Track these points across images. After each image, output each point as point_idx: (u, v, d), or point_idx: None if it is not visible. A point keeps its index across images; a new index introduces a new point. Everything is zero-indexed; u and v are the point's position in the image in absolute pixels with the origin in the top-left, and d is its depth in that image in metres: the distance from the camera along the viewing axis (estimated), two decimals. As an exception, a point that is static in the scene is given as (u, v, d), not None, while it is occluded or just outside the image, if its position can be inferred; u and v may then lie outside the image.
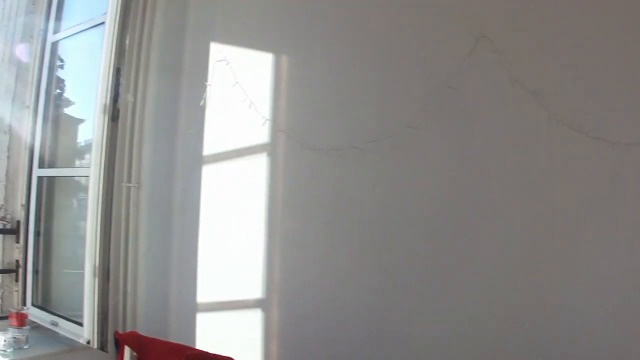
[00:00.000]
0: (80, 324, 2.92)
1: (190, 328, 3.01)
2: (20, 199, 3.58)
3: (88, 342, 2.82)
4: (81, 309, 2.94)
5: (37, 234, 3.48)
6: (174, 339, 2.80)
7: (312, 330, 2.59)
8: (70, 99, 3.80)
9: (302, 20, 2.80)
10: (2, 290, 3.50)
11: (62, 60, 3.73)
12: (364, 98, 2.50)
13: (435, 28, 2.32)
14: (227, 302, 2.94)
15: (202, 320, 3.01)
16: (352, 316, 2.45)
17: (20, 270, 3.50)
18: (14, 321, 3.03)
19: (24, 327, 3.03)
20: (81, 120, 3.66)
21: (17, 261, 3.53)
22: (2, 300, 3.49)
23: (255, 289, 2.79)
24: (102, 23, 3.14)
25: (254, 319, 2.78)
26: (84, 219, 3.08)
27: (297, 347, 2.66)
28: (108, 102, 2.98)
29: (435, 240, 2.24)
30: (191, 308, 3.04)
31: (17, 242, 3.55)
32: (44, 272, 3.48)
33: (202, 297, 3.01)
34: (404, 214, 2.35)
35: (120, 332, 2.86)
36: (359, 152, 2.41)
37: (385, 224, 2.40)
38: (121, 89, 3.08)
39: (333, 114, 2.60)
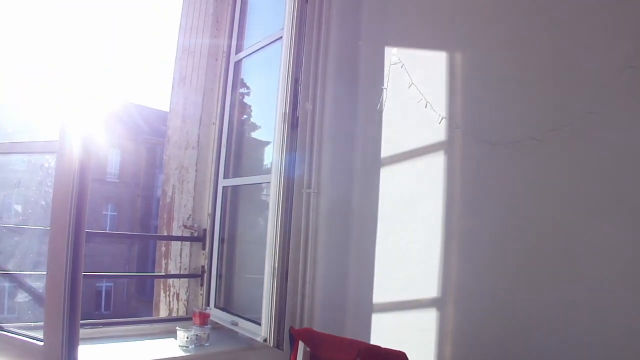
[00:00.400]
0: (259, 323, 3.00)
1: (366, 328, 3.02)
2: (207, 208, 3.79)
3: (265, 340, 2.88)
4: (260, 311, 3.01)
5: (221, 241, 3.65)
6: (348, 338, 2.81)
7: (490, 331, 2.48)
8: (256, 124, 3.98)
9: (473, 15, 2.77)
10: (188, 294, 3.72)
11: (248, 88, 3.94)
12: (540, 86, 2.40)
13: (614, 4, 2.16)
14: (402, 302, 2.91)
15: (377, 321, 3.01)
16: (533, 317, 2.31)
17: (205, 275, 3.68)
18: (196, 320, 3.21)
19: (206, 326, 3.18)
20: (266, 143, 3.77)
21: (203, 267, 3.72)
22: (188, 303, 3.70)
23: (430, 289, 2.73)
24: (280, 38, 3.26)
25: (429, 319, 2.72)
26: (265, 226, 3.17)
27: (472, 348, 2.56)
28: (287, 111, 3.06)
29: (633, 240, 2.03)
30: (367, 308, 3.05)
31: (203, 249, 3.75)
32: (226, 277, 3.63)
33: (377, 297, 3.02)
34: (588, 208, 2.17)
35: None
36: (538, 144, 2.31)
37: (567, 220, 2.24)
38: (300, 98, 3.16)
39: (509, 106, 2.52)
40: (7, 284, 2.69)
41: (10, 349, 2.34)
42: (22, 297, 2.60)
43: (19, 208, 2.77)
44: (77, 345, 2.22)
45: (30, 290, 2.55)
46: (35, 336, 2.29)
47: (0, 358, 2.36)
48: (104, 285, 24.96)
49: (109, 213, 27.03)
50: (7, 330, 2.42)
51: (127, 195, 27.64)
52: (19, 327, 2.45)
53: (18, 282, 2.64)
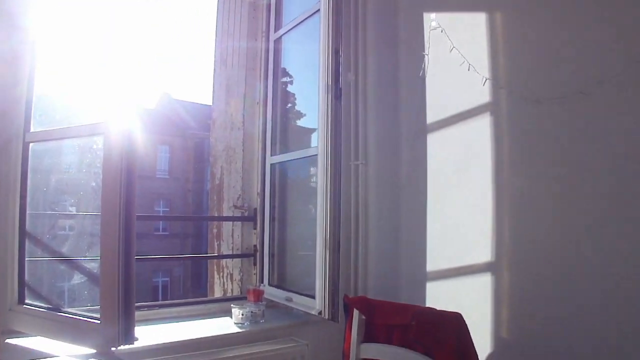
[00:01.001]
0: (313, 297, 2.98)
1: (420, 296, 3.00)
2: (256, 188, 3.78)
3: (319, 313, 2.86)
4: (314, 287, 2.99)
5: (271, 219, 3.64)
6: (403, 307, 2.78)
7: (547, 293, 2.41)
8: (300, 100, 3.93)
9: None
10: (241, 274, 3.72)
11: (289, 65, 3.90)
12: (584, 37, 2.30)
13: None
14: (455, 268, 2.87)
15: (432, 288, 2.99)
16: (590, 277, 2.23)
17: (257, 254, 3.68)
18: (251, 297, 3.21)
19: (260, 303, 3.17)
20: (312, 119, 3.67)
21: (255, 246, 3.72)
22: (242, 283, 3.71)
23: (484, 253, 2.68)
24: (318, 11, 3.22)
25: (484, 283, 2.67)
26: (315, 203, 3.14)
27: (530, 311, 2.50)
28: (330, 82, 3.02)
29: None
30: (421, 275, 3.03)
31: (255, 228, 3.74)
32: (279, 255, 3.62)
33: (431, 264, 2.99)
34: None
35: (349, 298, 2.90)
36: (584, 98, 2.21)
37: (622, 175, 2.14)
38: (341, 69, 3.12)
39: (553, 61, 2.43)
40: (62, 267, 2.74)
41: (68, 329, 2.38)
42: (77, 278, 2.64)
43: (70, 191, 2.82)
44: (134, 320, 2.23)
45: (85, 272, 2.59)
46: (92, 315, 2.32)
47: (59, 339, 2.40)
48: (160, 280, 25.51)
49: (160, 209, 27.56)
50: (64, 311, 2.46)
51: (177, 191, 28.14)
52: (76, 309, 2.49)
53: (73, 265, 2.68)
